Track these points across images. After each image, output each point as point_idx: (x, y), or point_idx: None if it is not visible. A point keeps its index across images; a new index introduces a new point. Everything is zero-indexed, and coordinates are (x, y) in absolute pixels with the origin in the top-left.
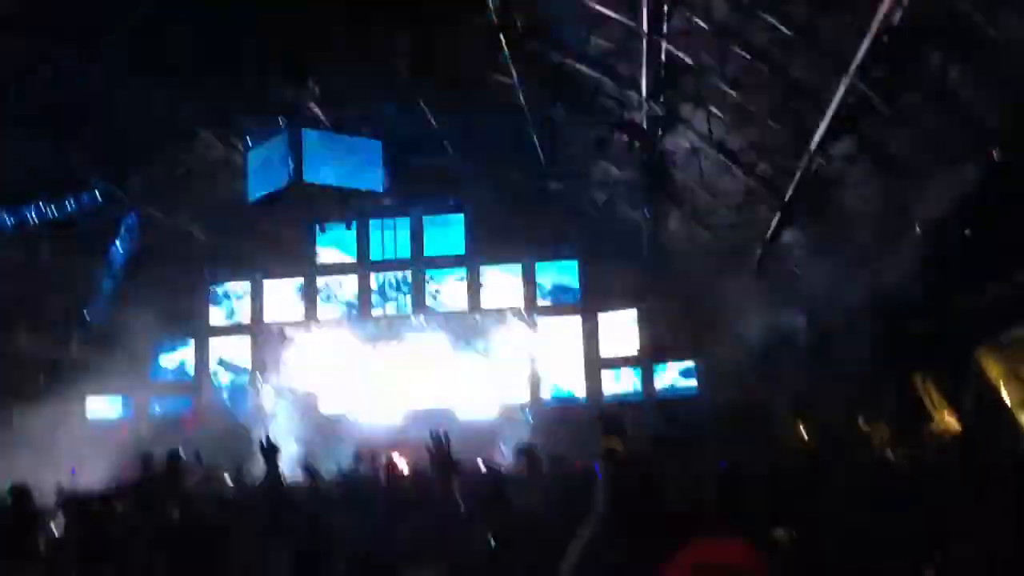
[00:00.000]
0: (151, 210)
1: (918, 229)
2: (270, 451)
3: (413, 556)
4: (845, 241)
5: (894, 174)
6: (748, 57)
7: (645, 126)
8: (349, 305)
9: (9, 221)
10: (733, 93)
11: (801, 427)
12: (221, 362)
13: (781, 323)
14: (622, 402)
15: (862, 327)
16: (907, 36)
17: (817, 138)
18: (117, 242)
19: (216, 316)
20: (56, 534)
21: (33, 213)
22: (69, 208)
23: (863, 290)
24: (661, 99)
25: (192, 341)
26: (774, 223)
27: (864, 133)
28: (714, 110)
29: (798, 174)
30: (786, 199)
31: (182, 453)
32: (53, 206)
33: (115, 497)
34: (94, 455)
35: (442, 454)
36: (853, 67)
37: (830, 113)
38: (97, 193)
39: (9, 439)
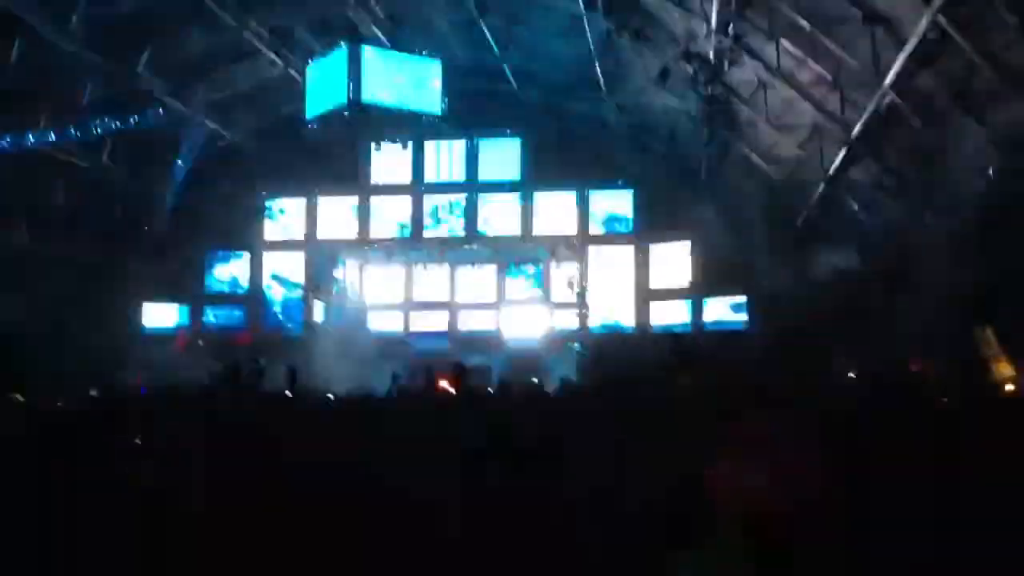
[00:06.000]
0: (212, 125)
1: (991, 173)
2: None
3: None
4: (912, 181)
5: (971, 115)
6: None
7: (712, 57)
8: (402, 226)
9: (76, 133)
10: (806, 24)
11: (849, 365)
12: (274, 276)
13: (839, 261)
14: (671, 333)
15: (922, 270)
16: None
17: (893, 74)
18: (179, 157)
19: (270, 231)
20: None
21: (99, 126)
22: (134, 122)
23: (927, 233)
24: (729, 30)
25: (245, 254)
26: (839, 160)
27: (943, 70)
28: (784, 42)
29: (869, 110)
30: (854, 135)
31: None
32: (119, 120)
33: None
34: (152, 362)
35: None
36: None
37: (909, 48)
38: (161, 109)
39: (69, 343)
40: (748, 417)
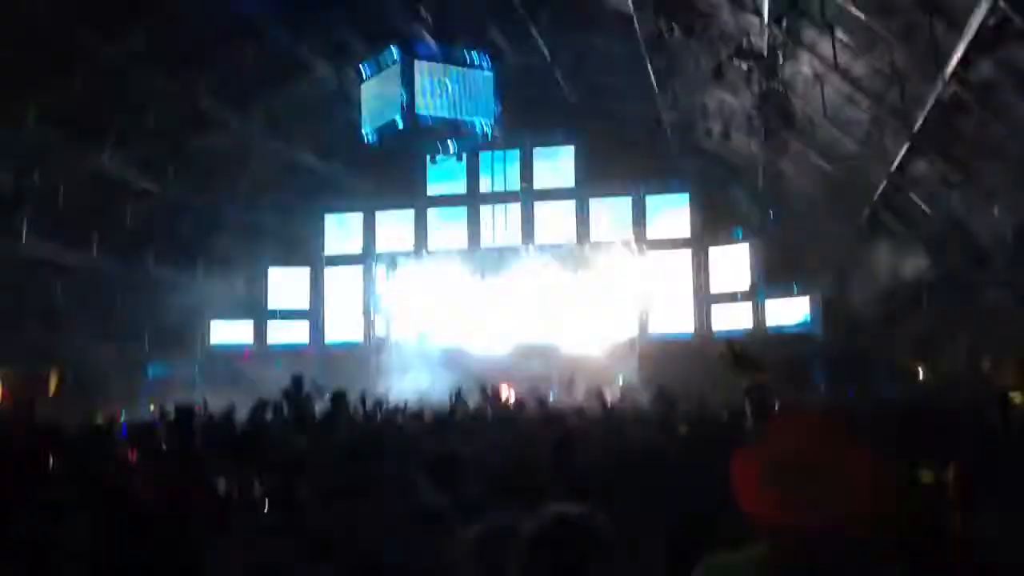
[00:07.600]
0: (270, 142)
1: None
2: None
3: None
4: (979, 175)
5: None
6: None
7: (765, 53)
8: (459, 237)
9: (142, 156)
10: (861, 15)
11: (920, 368)
12: (337, 295)
13: (905, 261)
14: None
15: (993, 266)
16: None
17: (953, 63)
18: (240, 174)
19: (330, 246)
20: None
21: (164, 148)
22: (195, 141)
23: (995, 228)
24: (783, 24)
25: (307, 269)
26: (901, 155)
27: (1006, 57)
28: (840, 35)
29: (930, 102)
30: (915, 129)
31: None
32: (182, 141)
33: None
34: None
35: None
36: None
37: (969, 35)
38: (222, 128)
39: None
40: None
